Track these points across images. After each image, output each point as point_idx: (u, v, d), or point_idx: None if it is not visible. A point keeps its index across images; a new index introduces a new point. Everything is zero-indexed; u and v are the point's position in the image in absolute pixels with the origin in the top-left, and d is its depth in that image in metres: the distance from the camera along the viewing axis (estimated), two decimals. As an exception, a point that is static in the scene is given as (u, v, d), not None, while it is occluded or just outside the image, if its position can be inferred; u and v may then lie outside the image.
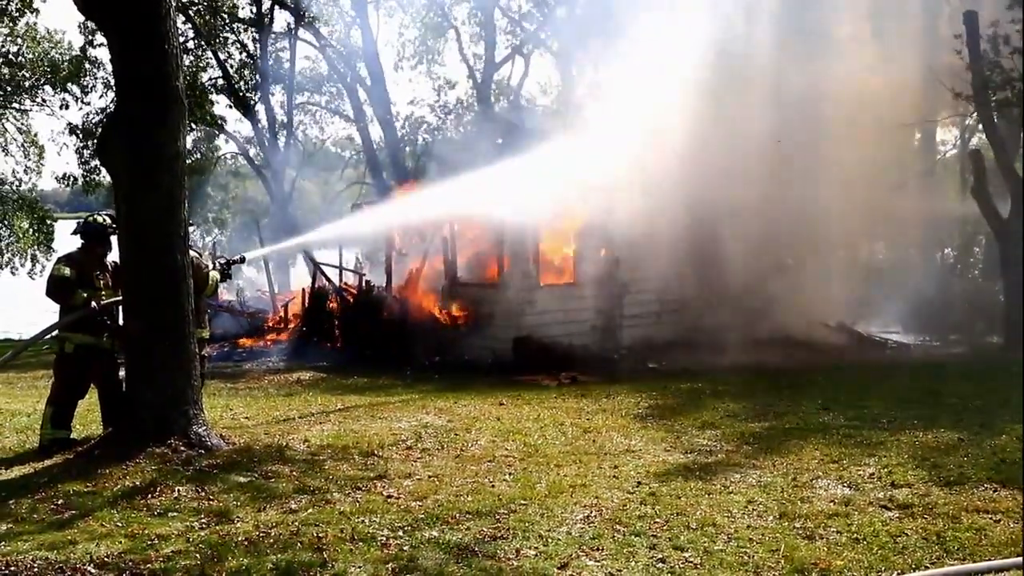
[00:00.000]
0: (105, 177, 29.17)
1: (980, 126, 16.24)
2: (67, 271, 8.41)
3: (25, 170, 33.59)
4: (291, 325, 20.44)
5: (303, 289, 20.84)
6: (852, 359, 16.50)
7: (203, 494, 6.76)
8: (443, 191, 17.49)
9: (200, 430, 7.99)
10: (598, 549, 5.75)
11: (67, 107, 31.41)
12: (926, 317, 19.95)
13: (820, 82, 16.58)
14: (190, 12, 29.11)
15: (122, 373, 8.46)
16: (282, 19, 33.93)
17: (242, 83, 31.93)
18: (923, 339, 19.40)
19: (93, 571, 5.34)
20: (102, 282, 8.60)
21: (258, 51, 31.42)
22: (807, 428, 9.33)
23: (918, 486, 7.03)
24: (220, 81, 31.68)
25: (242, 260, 11.04)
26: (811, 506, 6.59)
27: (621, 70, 17.61)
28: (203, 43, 30.38)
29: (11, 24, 30.14)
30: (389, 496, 6.84)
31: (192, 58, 30.11)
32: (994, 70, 15.22)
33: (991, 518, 6.24)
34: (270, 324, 21.22)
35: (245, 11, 31.67)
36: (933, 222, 21.97)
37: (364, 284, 18.87)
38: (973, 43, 14.69)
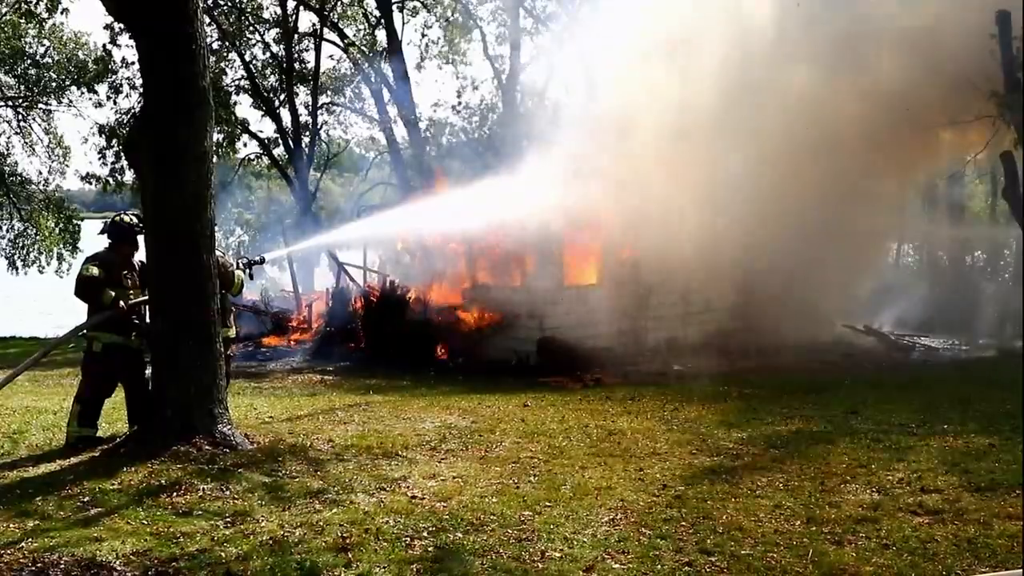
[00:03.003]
0: (129, 177, 29.45)
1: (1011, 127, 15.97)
2: (95, 271, 8.46)
3: (50, 170, 34.02)
4: (315, 325, 20.51)
5: (327, 289, 20.92)
6: (879, 362, 16.35)
7: (227, 493, 6.77)
8: (466, 195, 17.50)
9: (225, 429, 8.01)
10: (624, 552, 5.70)
11: (100, 106, 31.81)
12: (955, 320, 19.74)
13: (848, 81, 16.42)
14: (215, 13, 29.30)
15: (148, 372, 8.50)
16: (307, 19, 34.10)
17: (266, 83, 32.10)
18: (952, 342, 19.18)
19: (119, 568, 5.36)
20: (129, 282, 8.65)
21: (282, 51, 31.56)
22: (835, 432, 9.23)
23: (948, 491, 6.93)
24: (244, 81, 31.87)
25: (262, 261, 11.06)
26: (839, 511, 6.51)
27: (641, 71, 17.52)
28: (228, 43, 30.55)
29: (39, 25, 30.47)
30: (413, 497, 6.83)
31: (216, 59, 30.31)
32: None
33: (1023, 524, 6.15)
34: (294, 324, 21.29)
35: (269, 11, 31.88)
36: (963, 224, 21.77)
37: (388, 285, 18.89)
38: (1005, 43, 14.49)
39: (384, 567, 5.40)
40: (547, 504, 6.67)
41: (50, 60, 31.91)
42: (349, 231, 19.78)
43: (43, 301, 36.42)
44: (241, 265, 9.97)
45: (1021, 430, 8.58)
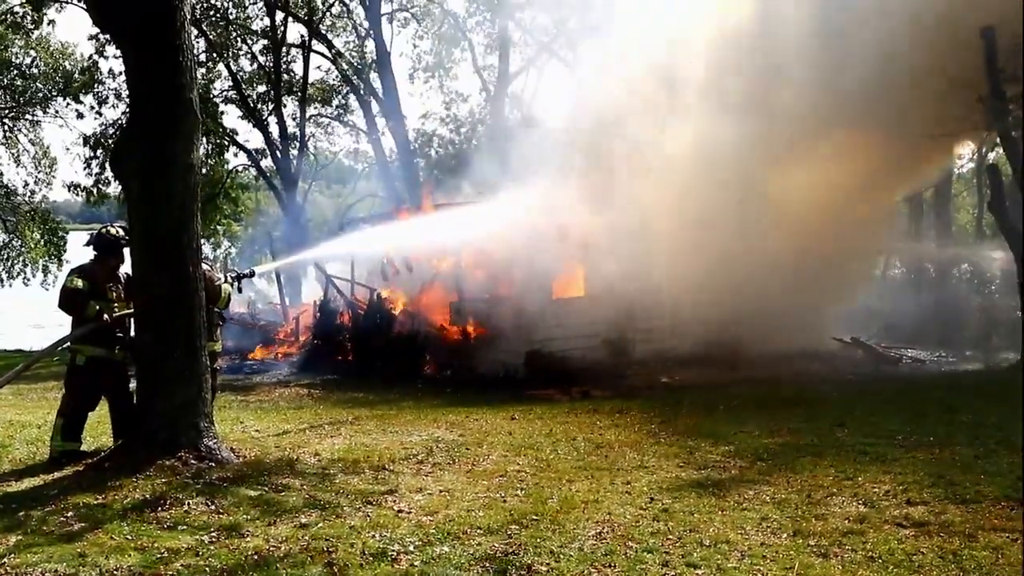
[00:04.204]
0: (114, 188, 29.39)
1: (997, 140, 16.11)
2: (80, 283, 8.41)
3: (36, 181, 33.93)
4: (302, 338, 20.48)
5: (314, 302, 20.88)
6: (867, 375, 16.39)
7: (213, 507, 6.73)
8: (452, 209, 17.52)
9: (211, 443, 7.97)
10: (610, 566, 5.69)
11: (82, 117, 31.78)
12: (942, 333, 19.84)
13: (833, 92, 16.51)
14: (203, 25, 29.30)
15: (133, 385, 8.45)
16: (295, 30, 34.09)
17: (254, 94, 32.09)
18: (938, 355, 19.26)
19: (102, 584, 5.32)
20: (114, 294, 8.60)
21: (270, 63, 31.56)
22: (821, 444, 9.24)
23: (934, 504, 6.95)
24: (232, 92, 31.85)
25: (251, 274, 11.05)
26: (825, 523, 6.51)
27: (628, 82, 17.61)
28: (215, 55, 30.54)
29: (25, 36, 30.45)
30: (400, 511, 6.80)
31: (204, 70, 30.30)
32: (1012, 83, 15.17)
33: (1008, 537, 6.15)
34: (281, 337, 21.25)
35: (258, 23, 31.89)
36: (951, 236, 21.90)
37: (375, 298, 18.87)
38: (991, 57, 14.66)
39: (370, 582, 5.39)
40: (534, 518, 6.65)
41: (36, 71, 31.87)
42: (339, 245, 19.74)
43: (28, 313, 36.28)
44: (230, 278, 9.95)
45: (1021, 445, 8.58)
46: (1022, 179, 15.13)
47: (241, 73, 31.98)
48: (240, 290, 10.40)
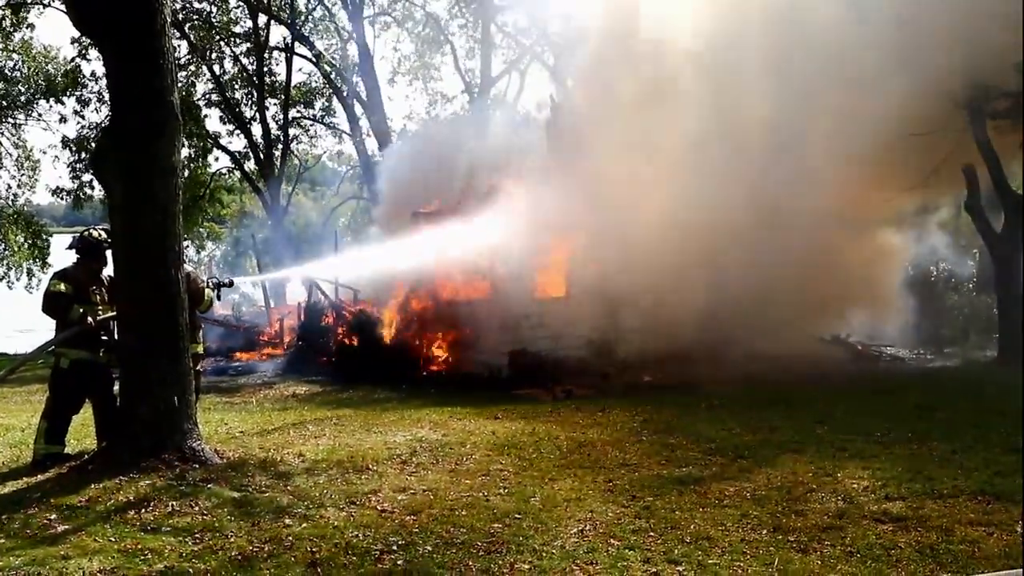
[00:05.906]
0: (97, 191, 29.27)
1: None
2: (63, 287, 8.41)
3: (19, 184, 33.71)
4: (287, 339, 20.46)
5: (299, 303, 20.85)
6: (847, 372, 16.48)
7: (196, 508, 6.75)
8: (438, 218, 17.53)
9: (194, 444, 7.99)
10: (592, 563, 5.75)
11: (64, 121, 31.65)
12: (920, 330, 19.95)
13: (816, 93, 16.60)
14: (185, 28, 29.22)
15: (117, 388, 8.46)
16: (278, 33, 33.97)
17: (236, 97, 32.00)
18: (918, 352, 19.39)
19: (86, 586, 5.34)
20: (98, 297, 8.60)
21: (253, 65, 31.47)
22: (802, 441, 9.32)
23: (912, 499, 7.04)
24: (215, 95, 31.75)
25: (230, 284, 11.11)
26: (805, 519, 6.59)
27: (611, 81, 17.65)
28: (198, 57, 30.45)
29: (5, 39, 30.29)
30: (383, 510, 6.84)
31: (186, 73, 30.23)
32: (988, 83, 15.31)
33: (984, 531, 6.26)
34: (266, 338, 21.22)
35: (240, 25, 31.78)
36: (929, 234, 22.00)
37: (359, 300, 18.88)
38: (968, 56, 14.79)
39: (353, 581, 5.42)
40: (516, 516, 6.70)
41: (19, 74, 31.70)
42: (321, 266, 19.79)
43: (13, 317, 36.07)
44: (211, 284, 9.97)
45: (1021, 444, 8.67)
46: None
47: (224, 76, 31.88)
48: (219, 298, 10.42)
